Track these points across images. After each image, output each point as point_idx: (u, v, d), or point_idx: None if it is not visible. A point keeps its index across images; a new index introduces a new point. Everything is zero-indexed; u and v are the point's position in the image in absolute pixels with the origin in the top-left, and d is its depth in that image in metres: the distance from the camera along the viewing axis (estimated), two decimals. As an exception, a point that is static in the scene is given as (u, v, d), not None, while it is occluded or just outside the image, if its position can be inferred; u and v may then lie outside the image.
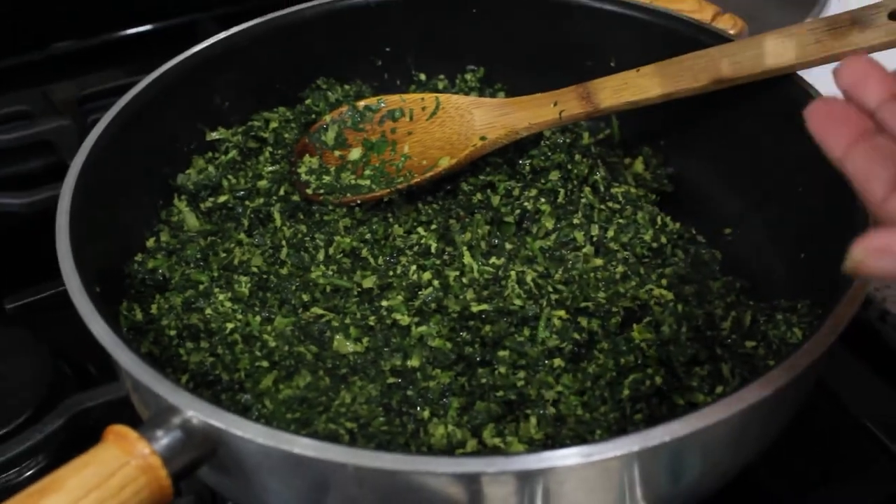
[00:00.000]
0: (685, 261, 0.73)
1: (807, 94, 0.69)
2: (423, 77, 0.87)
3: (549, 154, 0.78)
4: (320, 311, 0.68)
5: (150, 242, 0.74)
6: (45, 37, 1.08)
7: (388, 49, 0.86)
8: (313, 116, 0.83)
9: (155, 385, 0.51)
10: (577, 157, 0.78)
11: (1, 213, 0.85)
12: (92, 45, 1.10)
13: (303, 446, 0.48)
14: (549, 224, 0.75)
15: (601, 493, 0.51)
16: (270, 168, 0.79)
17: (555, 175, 0.77)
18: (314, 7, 0.82)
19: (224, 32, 0.79)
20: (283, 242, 0.73)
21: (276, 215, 0.76)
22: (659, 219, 0.76)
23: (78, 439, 0.60)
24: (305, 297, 0.69)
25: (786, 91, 0.71)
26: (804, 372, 0.51)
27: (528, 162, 0.78)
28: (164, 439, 0.49)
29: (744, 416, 0.50)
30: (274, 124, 0.82)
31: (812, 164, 0.68)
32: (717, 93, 0.74)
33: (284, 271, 0.71)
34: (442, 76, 0.87)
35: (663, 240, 0.74)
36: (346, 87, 0.85)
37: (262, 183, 0.78)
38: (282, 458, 0.49)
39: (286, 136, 0.82)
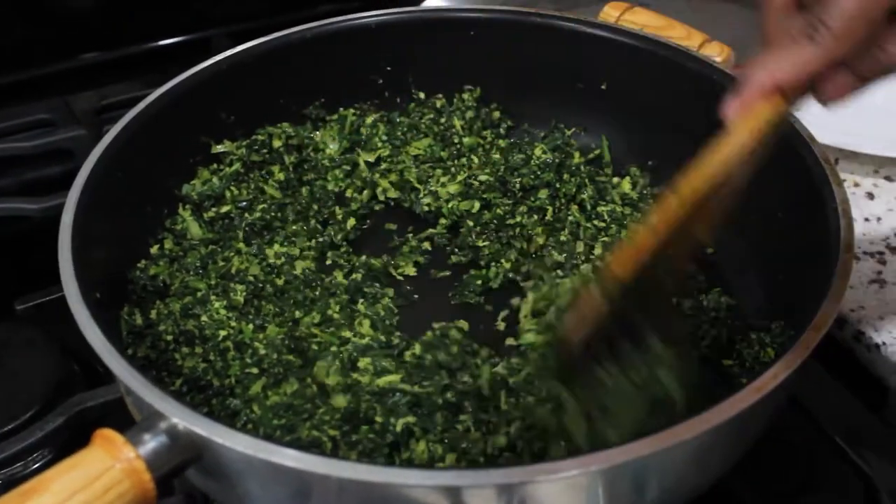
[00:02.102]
0: None
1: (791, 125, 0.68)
2: (422, 95, 0.86)
3: (539, 173, 0.76)
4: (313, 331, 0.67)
5: (154, 250, 0.73)
6: (70, 48, 1.08)
7: (388, 68, 0.85)
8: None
9: (142, 391, 0.51)
10: (566, 176, 0.77)
11: (17, 217, 0.85)
12: (114, 58, 1.10)
13: (281, 455, 0.47)
14: (541, 240, 0.74)
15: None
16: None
17: (543, 193, 0.76)
18: (316, 28, 0.81)
19: (229, 51, 0.79)
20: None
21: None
22: None
23: (82, 435, 0.60)
24: (298, 314, 0.68)
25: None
26: (770, 394, 0.50)
27: (517, 180, 0.77)
28: (149, 444, 0.49)
29: (708, 437, 0.49)
30: (277, 143, 0.81)
31: (791, 192, 0.68)
32: (702, 119, 0.73)
33: (280, 282, 0.70)
34: (440, 95, 0.86)
35: None
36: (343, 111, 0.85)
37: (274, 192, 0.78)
38: (262, 466, 0.49)
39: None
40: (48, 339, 0.74)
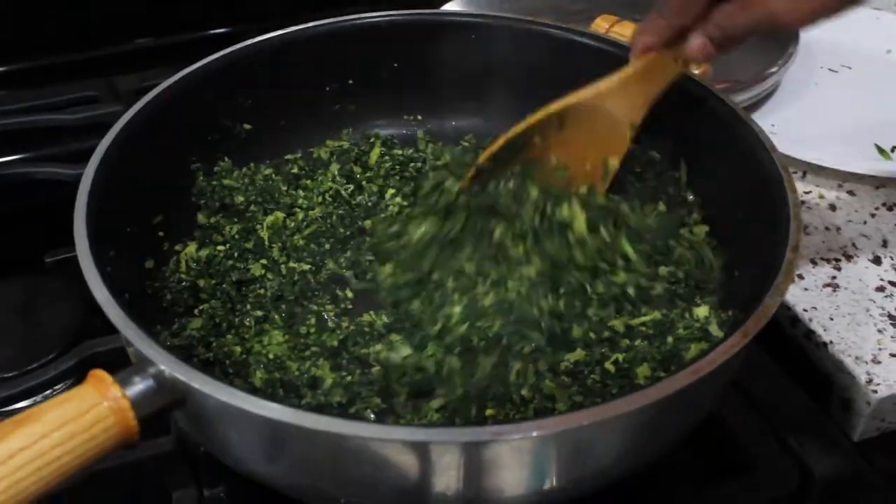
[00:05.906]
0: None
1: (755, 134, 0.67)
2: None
3: None
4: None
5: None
6: (122, 34, 1.09)
7: (395, 64, 0.83)
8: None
9: (134, 339, 0.51)
10: None
11: (55, 181, 0.85)
12: (161, 45, 1.11)
13: (252, 404, 0.47)
14: None
15: (517, 466, 0.49)
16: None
17: None
18: (325, 25, 0.81)
19: (251, 40, 0.78)
20: None
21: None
22: None
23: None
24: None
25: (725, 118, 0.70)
26: (707, 377, 0.49)
27: None
28: (137, 386, 0.49)
29: (648, 412, 0.48)
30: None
31: (751, 196, 0.66)
32: (688, 129, 0.72)
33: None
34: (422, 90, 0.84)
35: None
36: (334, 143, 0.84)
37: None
38: (237, 414, 0.48)
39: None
40: (71, 291, 0.74)
